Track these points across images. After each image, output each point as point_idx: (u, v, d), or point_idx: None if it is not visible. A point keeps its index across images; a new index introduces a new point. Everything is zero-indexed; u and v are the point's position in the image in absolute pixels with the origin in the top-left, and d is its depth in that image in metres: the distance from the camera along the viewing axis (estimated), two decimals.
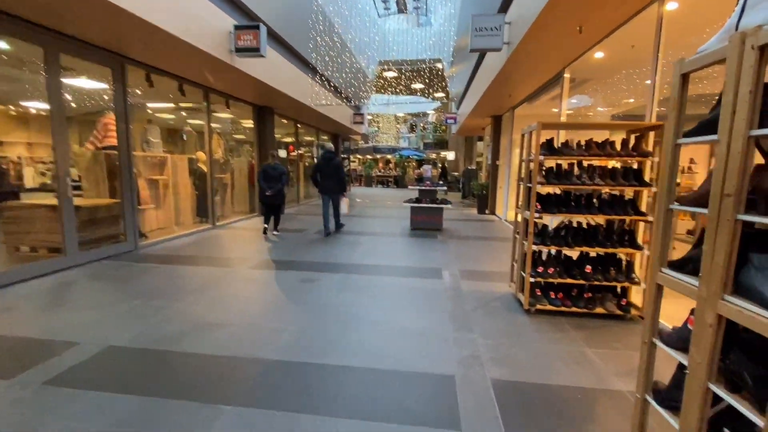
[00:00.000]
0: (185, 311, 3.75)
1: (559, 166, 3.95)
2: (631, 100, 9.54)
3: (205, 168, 8.62)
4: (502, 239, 7.96)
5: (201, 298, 4.12)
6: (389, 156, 30.36)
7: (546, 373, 2.77)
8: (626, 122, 3.67)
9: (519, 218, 4.23)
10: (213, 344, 3.08)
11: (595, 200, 3.83)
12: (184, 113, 9.82)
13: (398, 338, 3.26)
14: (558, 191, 4.00)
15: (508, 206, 11.05)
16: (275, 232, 7.93)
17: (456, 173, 23.71)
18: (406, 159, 27.25)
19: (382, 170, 27.87)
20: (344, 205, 8.32)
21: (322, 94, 9.66)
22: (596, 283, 3.75)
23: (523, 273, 3.99)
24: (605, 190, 3.85)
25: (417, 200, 8.64)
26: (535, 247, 3.78)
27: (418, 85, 22.54)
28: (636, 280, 3.74)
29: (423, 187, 8.58)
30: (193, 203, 8.81)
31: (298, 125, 13.86)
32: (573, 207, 3.81)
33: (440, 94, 26.48)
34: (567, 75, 6.49)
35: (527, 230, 3.91)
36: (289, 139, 14.03)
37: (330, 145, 8.01)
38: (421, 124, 33.58)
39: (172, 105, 9.37)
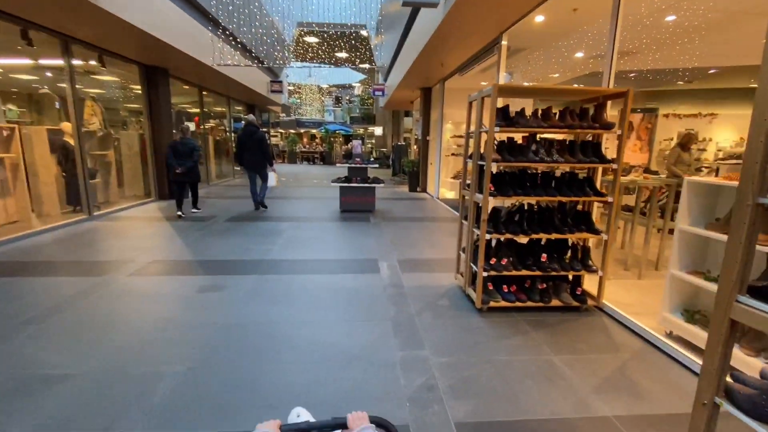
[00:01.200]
0: (11, 356, 2.53)
1: (511, 139, 3.37)
2: (556, 75, 9.58)
3: (72, 142, 6.74)
4: (436, 219, 7.50)
5: (44, 331, 2.87)
6: (314, 131, 28.66)
7: (517, 400, 2.20)
8: (591, 88, 3.17)
9: (468, 202, 3.61)
10: (41, 417, 1.99)
11: (552, 179, 3.34)
12: (48, 73, 7.59)
13: (331, 369, 2.47)
14: (505, 169, 3.45)
15: (440, 184, 10.70)
16: (194, 210, 7.45)
17: (384, 149, 23.11)
18: (332, 134, 25.88)
19: (307, 146, 26.20)
20: (273, 179, 7.95)
21: (227, 53, 8.10)
22: (553, 273, 3.31)
23: (474, 266, 3.42)
24: (566, 167, 3.37)
25: (346, 179, 7.76)
26: (488, 236, 3.19)
27: (342, 54, 21.10)
28: (593, 268, 3.37)
29: (353, 165, 7.71)
30: (60, 188, 6.91)
31: (204, 92, 11.89)
32: (529, 188, 3.28)
33: (366, 65, 25.30)
34: (505, 42, 5.99)
35: (479, 216, 3.31)
36: (193, 110, 12.02)
37: (251, 118, 7.53)
38: (347, 97, 32.13)
39: (20, 61, 7.16)
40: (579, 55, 7.53)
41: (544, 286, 3.48)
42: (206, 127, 12.91)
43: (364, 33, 18.84)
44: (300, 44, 18.09)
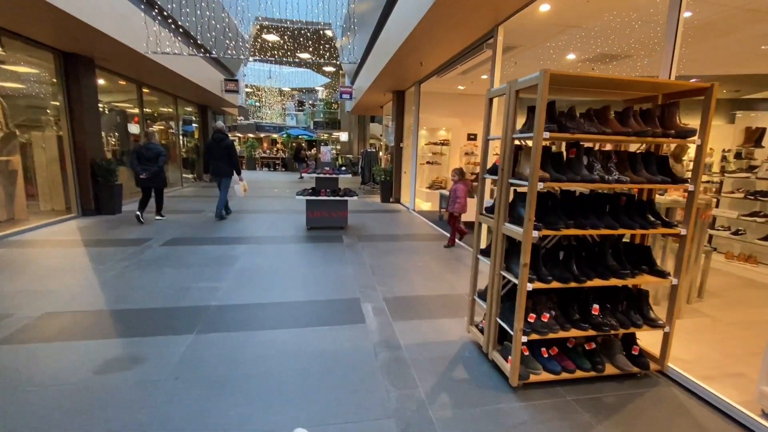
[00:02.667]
0: None
1: (547, 149, 2.48)
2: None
3: None
4: (417, 237, 6.57)
5: None
6: (275, 135, 27.07)
7: None
8: (671, 81, 2.34)
9: (492, 234, 2.66)
10: None
11: (606, 204, 2.47)
12: None
13: None
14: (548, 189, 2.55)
15: (415, 194, 9.83)
16: (158, 217, 7.21)
17: (350, 155, 22.07)
18: (294, 139, 24.47)
19: (267, 151, 24.60)
20: (240, 189, 7.64)
21: (165, 40, 6.74)
22: (612, 332, 2.44)
23: (504, 324, 2.47)
24: (631, 188, 2.52)
25: (314, 191, 6.65)
26: (530, 285, 2.26)
27: (305, 55, 19.89)
28: (659, 322, 2.53)
29: (322, 175, 6.61)
30: None
31: (144, 90, 10.30)
32: (578, 216, 2.39)
33: (330, 69, 24.23)
34: (501, 37, 5.19)
35: (512, 257, 2.38)
36: (133, 110, 10.36)
37: (221, 125, 7.39)
38: (310, 102, 30.80)
39: None
40: (571, 56, 6.95)
41: (593, 345, 2.60)
42: (149, 129, 11.28)
43: (329, 33, 17.81)
44: (258, 41, 16.71)
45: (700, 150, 2.33)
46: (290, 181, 16.42)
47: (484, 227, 5.69)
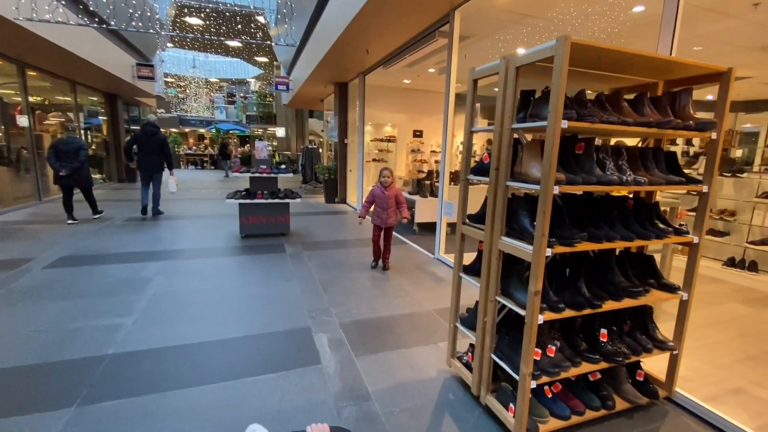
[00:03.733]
0: None
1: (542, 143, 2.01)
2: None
3: None
4: (369, 242, 5.96)
5: None
6: (202, 130, 24.77)
7: None
8: (679, 60, 1.93)
9: (492, 250, 2.13)
10: None
11: (614, 209, 2.07)
12: None
13: None
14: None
15: (363, 193, 9.22)
16: (96, 216, 6.76)
17: (288, 152, 20.81)
18: (225, 134, 22.53)
19: (194, 147, 22.38)
20: (172, 183, 7.28)
21: (44, 5, 5.31)
22: (626, 362, 2.04)
23: (502, 363, 1.96)
24: (632, 189, 2.12)
25: (248, 193, 5.74)
26: (541, 317, 1.77)
27: (234, 43, 18.24)
28: (669, 343, 2.20)
29: (257, 174, 5.72)
30: None
31: (29, 72, 8.44)
32: (587, 224, 1.96)
33: (263, 59, 22.64)
34: (457, 23, 4.75)
35: (509, 277, 1.88)
36: (16, 98, 8.41)
37: (153, 118, 7.12)
38: (241, 94, 28.66)
39: None
40: (522, 51, 6.78)
41: (597, 376, 2.20)
42: (71, 123, 9.36)
43: (261, 20, 16.46)
44: (178, 25, 14.88)
45: (715, 145, 2.01)
46: (220, 180, 14.91)
47: (443, 234, 5.23)
